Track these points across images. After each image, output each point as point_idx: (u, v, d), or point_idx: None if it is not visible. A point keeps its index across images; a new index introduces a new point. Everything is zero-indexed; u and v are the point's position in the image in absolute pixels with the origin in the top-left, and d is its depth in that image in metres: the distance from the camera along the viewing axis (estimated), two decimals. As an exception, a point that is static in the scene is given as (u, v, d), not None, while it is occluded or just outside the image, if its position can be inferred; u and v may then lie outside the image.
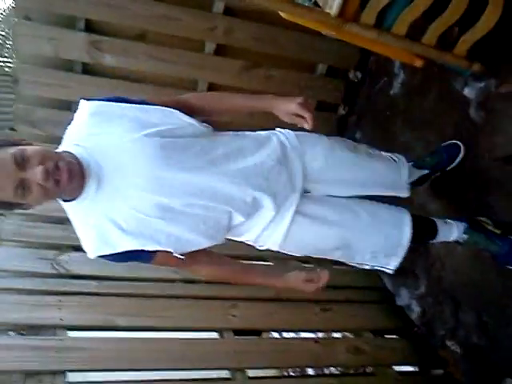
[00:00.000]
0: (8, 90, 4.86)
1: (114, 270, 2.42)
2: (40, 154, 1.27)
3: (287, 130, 1.71)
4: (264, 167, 1.55)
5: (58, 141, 1.48)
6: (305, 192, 1.67)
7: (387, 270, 1.78)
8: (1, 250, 2.49)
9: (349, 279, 2.84)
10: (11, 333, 2.14)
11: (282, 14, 2.03)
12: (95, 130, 1.41)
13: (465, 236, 1.97)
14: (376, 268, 1.78)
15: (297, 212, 1.61)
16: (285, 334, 2.57)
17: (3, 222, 2.62)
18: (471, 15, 1.88)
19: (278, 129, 1.71)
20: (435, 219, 1.97)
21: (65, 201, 1.41)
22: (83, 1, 2.70)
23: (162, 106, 1.49)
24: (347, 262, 1.80)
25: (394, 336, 2.65)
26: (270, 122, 1.71)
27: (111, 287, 2.40)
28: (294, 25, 2.14)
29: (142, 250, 1.39)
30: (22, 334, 2.12)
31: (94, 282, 2.38)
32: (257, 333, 2.52)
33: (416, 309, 2.62)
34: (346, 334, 2.66)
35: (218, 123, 1.70)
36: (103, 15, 2.79)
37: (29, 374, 1.97)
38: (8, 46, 6.46)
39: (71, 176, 1.29)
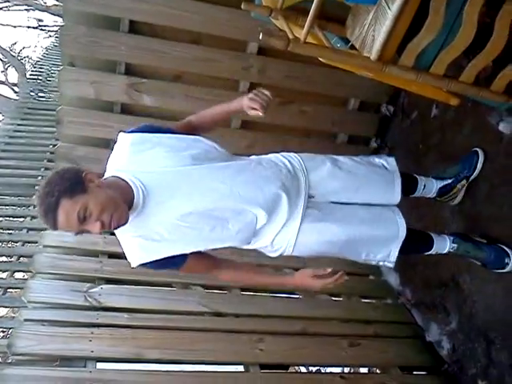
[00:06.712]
0: (48, 123, 5.17)
1: (144, 302, 2.51)
2: (99, 208, 1.46)
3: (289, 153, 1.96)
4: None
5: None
6: (309, 197, 1.85)
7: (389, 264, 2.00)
8: (36, 282, 2.54)
9: (378, 314, 2.84)
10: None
11: (321, 58, 2.05)
12: (136, 157, 1.65)
13: (455, 245, 2.19)
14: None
15: (304, 218, 1.79)
16: (311, 369, 2.55)
17: (39, 255, 2.74)
18: (506, 50, 1.85)
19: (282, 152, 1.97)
20: (431, 233, 2.19)
21: None
22: (124, 47, 2.86)
23: (180, 131, 1.76)
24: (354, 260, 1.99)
25: (424, 373, 2.59)
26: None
27: (142, 320, 2.43)
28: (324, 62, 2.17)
29: (178, 255, 1.62)
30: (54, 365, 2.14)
31: (125, 315, 2.42)
32: (283, 367, 2.51)
33: (446, 345, 2.57)
34: (374, 369, 2.62)
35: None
36: (143, 59, 2.94)
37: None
38: (48, 82, 6.83)
39: (120, 222, 1.51)
